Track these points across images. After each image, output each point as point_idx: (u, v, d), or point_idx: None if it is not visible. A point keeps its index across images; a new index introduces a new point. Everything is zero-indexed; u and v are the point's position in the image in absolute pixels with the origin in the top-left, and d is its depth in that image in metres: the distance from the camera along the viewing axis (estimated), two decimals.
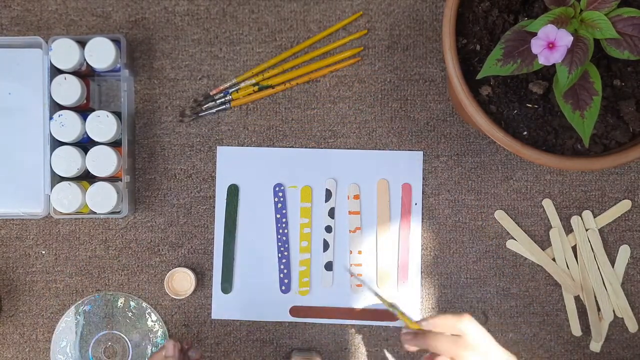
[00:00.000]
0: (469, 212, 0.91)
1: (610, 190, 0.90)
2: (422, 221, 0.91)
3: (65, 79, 0.84)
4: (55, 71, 0.86)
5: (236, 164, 0.91)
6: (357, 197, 0.91)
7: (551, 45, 0.61)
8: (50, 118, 0.84)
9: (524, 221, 0.91)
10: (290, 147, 0.91)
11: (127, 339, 0.91)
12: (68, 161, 0.84)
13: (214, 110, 0.91)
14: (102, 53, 0.84)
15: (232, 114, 0.92)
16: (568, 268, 0.90)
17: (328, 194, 0.91)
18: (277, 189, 0.91)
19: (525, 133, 0.73)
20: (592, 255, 0.89)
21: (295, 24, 0.91)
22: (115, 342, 0.91)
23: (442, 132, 0.91)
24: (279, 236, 0.91)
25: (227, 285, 0.91)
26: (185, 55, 0.92)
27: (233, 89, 0.91)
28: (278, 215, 0.91)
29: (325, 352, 0.91)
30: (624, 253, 0.90)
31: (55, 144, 0.85)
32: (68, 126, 0.84)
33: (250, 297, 0.91)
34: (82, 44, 0.85)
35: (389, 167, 0.91)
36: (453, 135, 0.91)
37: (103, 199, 0.84)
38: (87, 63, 0.85)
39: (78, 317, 0.91)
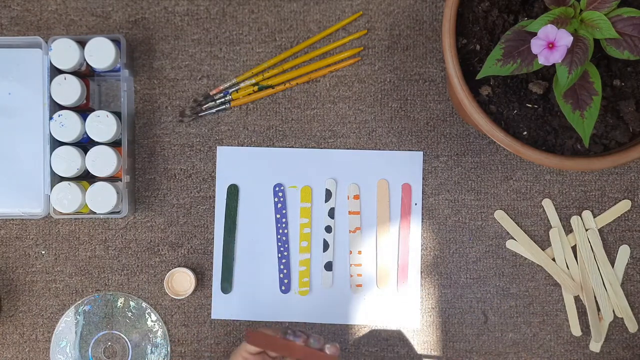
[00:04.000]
0: (469, 212, 0.91)
1: (610, 190, 0.90)
2: (422, 221, 0.91)
3: (65, 79, 0.84)
4: (55, 71, 0.85)
5: (236, 164, 0.91)
6: (357, 197, 0.91)
7: (551, 45, 0.61)
8: (50, 118, 0.84)
9: (524, 221, 0.91)
10: (290, 147, 0.91)
11: (127, 339, 0.91)
12: (68, 161, 0.84)
13: (213, 110, 0.91)
14: (102, 53, 0.84)
15: (232, 114, 0.92)
16: (568, 268, 0.90)
17: (328, 194, 0.91)
18: (277, 189, 0.91)
19: (525, 133, 0.73)
20: (592, 255, 0.89)
21: (295, 24, 0.91)
22: (115, 342, 0.91)
23: (442, 132, 0.91)
24: (279, 236, 0.91)
25: (227, 285, 0.91)
26: (185, 55, 0.92)
27: (233, 89, 0.91)
28: (278, 215, 0.91)
29: None
30: (623, 253, 0.90)
31: (55, 144, 0.85)
32: (68, 126, 0.84)
33: (250, 297, 0.91)
34: (82, 44, 0.85)
35: (389, 167, 0.91)
36: (453, 135, 0.91)
37: (103, 199, 0.84)
38: (87, 63, 0.85)
39: (78, 317, 0.91)
